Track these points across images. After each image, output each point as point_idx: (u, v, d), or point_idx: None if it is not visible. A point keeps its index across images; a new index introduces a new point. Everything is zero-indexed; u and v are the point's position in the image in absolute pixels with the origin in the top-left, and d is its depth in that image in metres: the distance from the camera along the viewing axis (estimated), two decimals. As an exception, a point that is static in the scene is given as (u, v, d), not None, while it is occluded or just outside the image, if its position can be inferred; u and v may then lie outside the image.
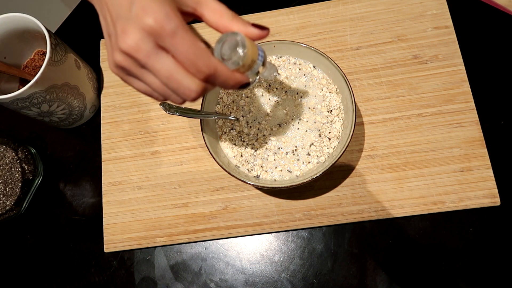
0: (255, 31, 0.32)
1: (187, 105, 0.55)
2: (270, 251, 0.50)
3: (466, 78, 0.52)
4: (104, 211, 0.53)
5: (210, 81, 0.30)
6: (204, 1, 0.31)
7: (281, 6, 0.58)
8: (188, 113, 0.46)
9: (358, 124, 0.52)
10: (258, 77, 0.35)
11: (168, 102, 0.47)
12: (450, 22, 0.54)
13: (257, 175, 0.47)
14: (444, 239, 0.48)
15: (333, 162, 0.43)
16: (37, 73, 0.45)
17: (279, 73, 0.38)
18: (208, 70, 0.29)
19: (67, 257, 0.53)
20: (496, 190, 0.48)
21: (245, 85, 0.33)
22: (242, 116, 0.49)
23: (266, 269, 0.50)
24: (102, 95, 0.58)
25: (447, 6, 0.55)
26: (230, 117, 0.49)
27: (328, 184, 0.50)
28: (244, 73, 0.32)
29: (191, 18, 0.33)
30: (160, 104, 0.47)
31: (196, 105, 0.55)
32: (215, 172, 0.52)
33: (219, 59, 0.31)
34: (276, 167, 0.47)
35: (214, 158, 0.44)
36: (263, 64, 0.34)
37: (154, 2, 0.27)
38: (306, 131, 0.48)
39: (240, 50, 0.31)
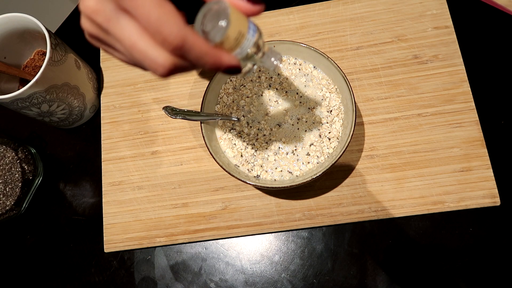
0: (243, 3, 0.26)
1: (188, 106, 0.55)
2: (270, 251, 0.50)
3: (466, 78, 0.52)
4: (104, 211, 0.53)
5: (181, 55, 0.24)
6: None
7: (281, 6, 0.58)
8: (191, 116, 0.46)
9: (358, 124, 0.52)
10: (254, 66, 0.30)
11: (171, 106, 0.47)
12: (450, 22, 0.54)
13: (257, 175, 0.47)
14: (444, 239, 0.48)
15: (333, 162, 0.43)
16: (37, 73, 0.45)
17: (282, 62, 0.30)
18: (175, 39, 0.23)
19: (67, 257, 0.53)
20: (496, 190, 0.48)
21: (234, 70, 0.26)
22: (243, 116, 0.49)
23: (266, 269, 0.50)
24: (102, 95, 0.58)
25: (447, 6, 0.55)
26: (232, 118, 0.49)
27: (328, 184, 0.50)
28: (229, 51, 0.26)
29: None
30: (162, 109, 0.47)
31: (197, 106, 0.55)
32: (215, 172, 0.52)
33: (199, 32, 0.25)
34: (276, 167, 0.47)
35: (214, 158, 0.44)
36: (258, 48, 0.28)
37: None
38: (306, 131, 0.48)
39: (222, 22, 0.25)
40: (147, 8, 0.23)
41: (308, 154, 0.47)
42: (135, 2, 0.23)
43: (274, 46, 0.48)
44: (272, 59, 0.31)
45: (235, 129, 0.49)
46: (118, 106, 0.57)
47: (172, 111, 0.46)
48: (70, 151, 0.57)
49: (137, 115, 0.56)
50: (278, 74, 0.50)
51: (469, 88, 0.52)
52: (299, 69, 0.50)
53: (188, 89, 0.56)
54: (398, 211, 0.49)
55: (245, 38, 0.26)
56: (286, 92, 0.49)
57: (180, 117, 0.46)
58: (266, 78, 0.51)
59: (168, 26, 0.23)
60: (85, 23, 0.26)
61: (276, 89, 0.50)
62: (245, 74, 0.29)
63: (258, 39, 0.27)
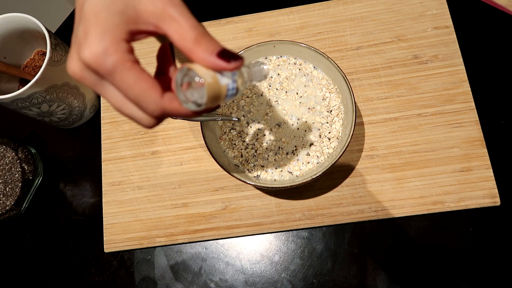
0: (220, 64, 0.25)
1: (187, 105, 0.55)
2: (270, 251, 0.50)
3: (466, 78, 0.52)
4: (104, 211, 0.53)
5: (162, 117, 0.27)
6: (167, 17, 0.25)
7: (281, 6, 0.58)
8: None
9: (358, 124, 0.52)
10: (239, 90, 0.29)
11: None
12: (450, 22, 0.54)
13: (257, 175, 0.47)
14: (444, 239, 0.48)
15: (333, 162, 0.43)
16: (37, 73, 0.45)
17: (268, 70, 0.30)
18: (154, 112, 0.26)
19: (67, 257, 0.53)
20: (496, 190, 0.48)
21: (213, 109, 0.28)
22: (243, 116, 0.49)
23: (266, 269, 0.50)
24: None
25: (447, 6, 0.55)
26: (233, 118, 0.49)
27: (328, 184, 0.50)
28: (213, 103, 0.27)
29: (156, 35, 0.28)
30: None
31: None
32: (215, 172, 0.52)
33: (178, 87, 0.26)
34: (276, 167, 0.47)
35: (214, 158, 0.44)
36: (242, 82, 0.28)
37: (95, 31, 0.24)
38: (306, 131, 0.48)
39: (196, 94, 0.26)
40: (127, 87, 0.25)
41: (308, 154, 0.47)
42: (115, 80, 0.24)
43: (274, 46, 0.48)
44: (261, 72, 0.30)
45: (235, 129, 0.49)
46: (118, 106, 0.57)
47: None
48: (70, 151, 0.57)
49: (137, 115, 0.56)
50: (278, 74, 0.50)
51: (469, 88, 0.52)
52: (299, 69, 0.50)
53: (188, 89, 0.56)
54: (398, 211, 0.49)
55: (225, 96, 0.27)
56: (286, 92, 0.49)
57: (181, 118, 0.46)
58: (266, 78, 0.50)
59: (147, 101, 0.25)
60: (77, 76, 0.27)
61: (276, 89, 0.50)
62: (233, 97, 0.29)
63: (239, 82, 0.28)
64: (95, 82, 0.26)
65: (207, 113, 0.28)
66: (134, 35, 0.26)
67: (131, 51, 0.25)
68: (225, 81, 0.26)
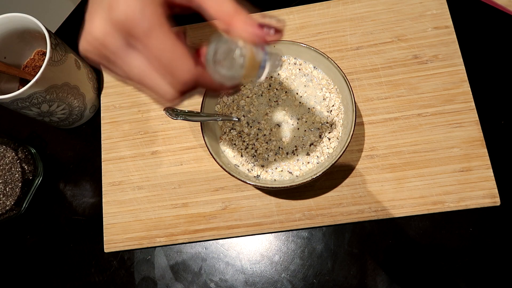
0: (259, 34, 0.25)
1: (189, 107, 0.55)
2: (270, 251, 0.50)
3: (466, 78, 0.52)
4: (104, 211, 0.53)
5: (189, 90, 0.25)
6: None
7: (281, 6, 0.58)
8: (192, 116, 0.46)
9: (358, 124, 0.52)
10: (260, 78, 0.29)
11: (172, 107, 0.48)
12: (450, 22, 0.54)
13: (257, 175, 0.47)
14: (444, 239, 0.48)
15: (333, 162, 0.43)
16: (37, 73, 0.45)
17: (281, 61, 0.30)
18: (188, 80, 0.24)
19: (67, 257, 0.53)
20: (496, 190, 0.48)
21: (236, 91, 0.28)
22: (243, 116, 0.49)
23: (266, 269, 0.50)
24: (102, 95, 0.58)
25: (447, 6, 0.55)
26: (233, 119, 0.49)
27: (328, 184, 0.50)
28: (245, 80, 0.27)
29: (188, 11, 0.27)
30: (164, 110, 0.47)
31: (197, 106, 0.55)
32: (215, 172, 0.52)
33: (210, 61, 0.26)
34: (276, 167, 0.47)
35: (214, 158, 0.44)
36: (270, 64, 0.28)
37: None
38: (306, 131, 0.48)
39: (237, 65, 0.25)
40: (161, 51, 0.23)
41: (308, 154, 0.47)
42: (149, 43, 0.23)
43: (274, 46, 0.48)
44: (276, 62, 0.30)
45: (235, 129, 0.49)
46: (118, 106, 0.57)
47: (173, 112, 0.47)
48: (70, 151, 0.57)
49: (137, 115, 0.56)
50: (278, 74, 0.50)
51: (469, 88, 0.52)
52: (299, 69, 0.50)
53: (188, 89, 0.56)
54: (398, 211, 0.49)
55: (256, 74, 0.26)
56: (286, 92, 0.49)
57: (181, 118, 0.46)
58: (266, 78, 0.51)
59: (180, 70, 0.23)
60: (87, 49, 0.25)
61: (276, 89, 0.50)
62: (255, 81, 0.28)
63: (270, 59, 0.27)
64: (118, 48, 0.24)
65: (229, 91, 0.27)
66: (169, 5, 0.25)
67: (167, 18, 0.24)
68: (260, 56, 0.25)
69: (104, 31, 0.23)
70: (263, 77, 0.27)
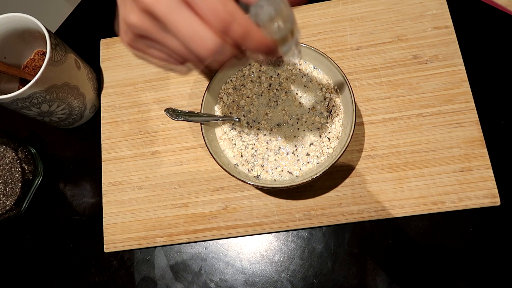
0: None
1: (187, 107, 0.55)
2: (270, 251, 0.50)
3: (466, 78, 0.52)
4: (104, 211, 0.53)
5: (238, 45, 0.26)
6: None
7: (281, 6, 0.58)
8: (192, 117, 0.46)
9: (358, 124, 0.52)
10: (295, 51, 0.30)
11: (172, 107, 0.48)
12: (450, 22, 0.54)
13: (257, 175, 0.47)
14: (444, 239, 0.48)
15: (333, 162, 0.43)
16: (37, 73, 0.45)
17: (301, 51, 0.32)
18: (239, 31, 0.25)
19: (67, 257, 0.53)
20: (496, 190, 0.48)
21: (279, 62, 0.28)
22: (243, 116, 0.49)
23: (266, 269, 0.50)
24: (102, 95, 0.58)
25: (447, 6, 0.55)
26: (233, 119, 0.49)
27: (328, 184, 0.50)
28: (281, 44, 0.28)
29: None
30: (164, 111, 0.47)
31: (197, 106, 0.55)
32: (215, 172, 0.52)
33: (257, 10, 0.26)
34: (276, 167, 0.47)
35: (214, 158, 0.44)
36: (292, 34, 0.29)
37: None
38: (306, 131, 0.48)
39: (281, 22, 0.26)
40: (214, 2, 0.24)
41: (308, 154, 0.47)
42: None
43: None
44: (298, 51, 0.31)
45: (235, 129, 0.49)
46: (118, 106, 0.57)
47: (174, 113, 0.47)
48: (70, 151, 0.57)
49: (137, 115, 0.56)
50: (278, 74, 0.50)
51: (469, 88, 0.52)
52: (299, 69, 0.50)
53: (188, 89, 0.56)
54: (398, 211, 0.49)
55: (294, 37, 0.27)
56: (286, 92, 0.49)
57: (182, 119, 0.46)
58: (266, 78, 0.51)
59: (233, 18, 0.24)
60: (135, 18, 0.26)
61: (276, 89, 0.50)
62: (287, 57, 0.29)
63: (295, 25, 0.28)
64: (157, 30, 0.25)
65: (274, 58, 0.28)
66: None
67: None
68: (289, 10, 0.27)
69: (139, 19, 0.25)
70: (289, 55, 0.29)
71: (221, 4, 0.24)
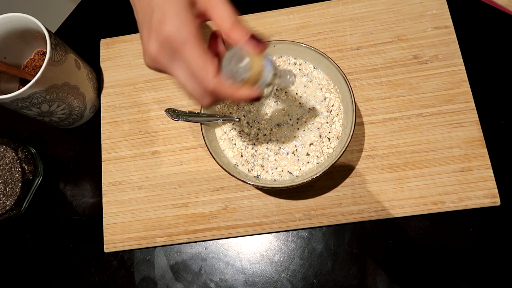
0: (251, 43, 0.31)
1: (187, 106, 0.55)
2: (270, 251, 0.50)
3: (466, 78, 0.52)
4: (104, 211, 0.53)
5: (215, 96, 0.32)
6: (214, 2, 0.31)
7: (281, 6, 0.58)
8: (193, 117, 0.46)
9: (358, 124, 0.52)
10: (272, 88, 0.35)
11: (172, 108, 0.48)
12: (450, 22, 0.54)
13: (257, 175, 0.47)
14: (444, 239, 0.48)
15: (333, 162, 0.43)
16: (37, 73, 0.45)
17: (295, 78, 0.37)
18: (209, 87, 0.30)
19: (67, 257, 0.53)
20: (496, 190, 0.48)
21: (256, 99, 0.33)
22: (243, 116, 0.49)
23: (266, 269, 0.50)
24: (102, 95, 0.58)
25: (447, 6, 0.55)
26: (234, 119, 0.49)
27: (328, 184, 0.50)
28: (252, 86, 0.32)
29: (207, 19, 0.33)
30: (165, 111, 0.47)
31: (197, 106, 0.55)
32: (215, 172, 0.52)
33: (228, 73, 0.32)
34: (276, 167, 0.47)
35: (214, 158, 0.44)
36: (275, 74, 0.33)
37: (172, 10, 0.29)
38: (306, 131, 0.48)
39: (241, 65, 0.31)
40: (191, 60, 0.30)
41: (308, 154, 0.47)
42: (184, 52, 0.29)
43: (274, 46, 0.48)
44: (288, 77, 0.35)
45: (235, 129, 0.49)
46: (118, 106, 0.57)
47: (174, 113, 0.47)
48: (70, 151, 0.57)
49: (137, 115, 0.56)
50: (295, 78, 0.50)
51: (469, 88, 0.52)
52: (299, 69, 0.50)
53: (188, 89, 0.56)
54: (398, 211, 0.49)
55: (262, 76, 0.32)
56: (286, 92, 0.49)
57: (182, 119, 0.46)
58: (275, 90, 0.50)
59: (203, 76, 0.30)
60: (150, 65, 0.32)
61: (276, 89, 0.50)
62: (266, 98, 0.36)
63: (274, 70, 0.33)
64: (168, 60, 0.30)
65: (248, 100, 0.33)
66: (201, 15, 0.32)
67: (200, 28, 0.30)
68: (264, 63, 0.32)
69: (157, 47, 0.30)
70: (273, 87, 0.35)
71: (199, 69, 0.30)
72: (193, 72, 0.30)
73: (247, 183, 0.44)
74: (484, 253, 0.47)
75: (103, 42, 0.60)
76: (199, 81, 0.30)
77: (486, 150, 0.49)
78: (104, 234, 0.52)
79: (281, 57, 0.50)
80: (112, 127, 0.56)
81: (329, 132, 0.47)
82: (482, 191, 0.48)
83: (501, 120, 0.52)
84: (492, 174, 0.49)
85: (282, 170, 0.47)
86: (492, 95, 0.53)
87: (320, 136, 0.47)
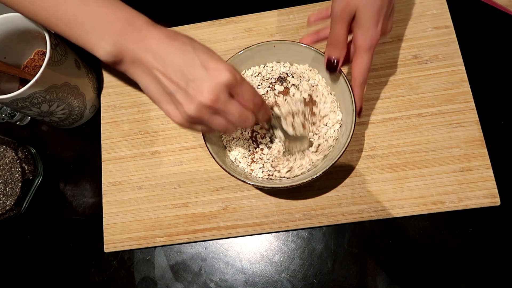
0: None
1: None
2: (270, 251, 0.50)
3: (466, 78, 0.52)
4: (104, 211, 0.53)
5: (264, 109, 0.40)
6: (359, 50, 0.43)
7: (281, 6, 0.58)
8: None
9: (358, 124, 0.52)
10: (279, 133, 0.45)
11: None
12: (450, 22, 0.54)
13: (257, 175, 0.47)
14: (444, 239, 0.48)
15: (333, 162, 0.43)
16: (37, 73, 0.45)
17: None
18: (269, 115, 0.42)
19: (67, 257, 0.53)
20: (496, 190, 0.48)
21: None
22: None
23: (266, 269, 0.50)
24: (102, 95, 0.58)
25: (447, 6, 0.55)
26: None
27: (328, 184, 0.50)
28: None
29: None
30: None
31: (196, 105, 0.55)
32: (215, 172, 0.52)
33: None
34: (276, 167, 0.47)
35: (214, 158, 0.44)
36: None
37: (221, 61, 0.35)
38: (306, 131, 0.48)
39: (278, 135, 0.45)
40: (250, 92, 0.37)
41: (307, 154, 0.47)
42: (242, 88, 0.36)
43: (274, 46, 0.48)
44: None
45: (235, 129, 0.49)
46: (118, 106, 0.57)
47: None
48: (70, 151, 0.57)
49: (137, 115, 0.56)
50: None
51: (469, 88, 0.52)
52: (299, 69, 0.50)
53: (188, 89, 0.56)
54: (398, 211, 0.49)
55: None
56: (286, 92, 0.49)
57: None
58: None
59: (259, 99, 0.38)
60: (192, 110, 0.34)
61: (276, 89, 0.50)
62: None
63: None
64: (225, 100, 0.35)
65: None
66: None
67: None
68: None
69: (217, 91, 0.34)
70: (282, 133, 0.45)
71: (255, 97, 0.37)
72: (252, 99, 0.37)
73: (247, 183, 0.44)
74: (484, 253, 0.47)
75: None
76: (253, 102, 0.37)
77: (486, 150, 0.49)
78: (104, 234, 0.52)
79: (279, 62, 0.50)
80: (112, 127, 0.56)
81: (329, 132, 0.47)
82: (482, 191, 0.48)
83: (501, 120, 0.52)
84: (492, 174, 0.49)
85: (282, 170, 0.47)
86: (492, 95, 0.53)
87: (320, 136, 0.47)
